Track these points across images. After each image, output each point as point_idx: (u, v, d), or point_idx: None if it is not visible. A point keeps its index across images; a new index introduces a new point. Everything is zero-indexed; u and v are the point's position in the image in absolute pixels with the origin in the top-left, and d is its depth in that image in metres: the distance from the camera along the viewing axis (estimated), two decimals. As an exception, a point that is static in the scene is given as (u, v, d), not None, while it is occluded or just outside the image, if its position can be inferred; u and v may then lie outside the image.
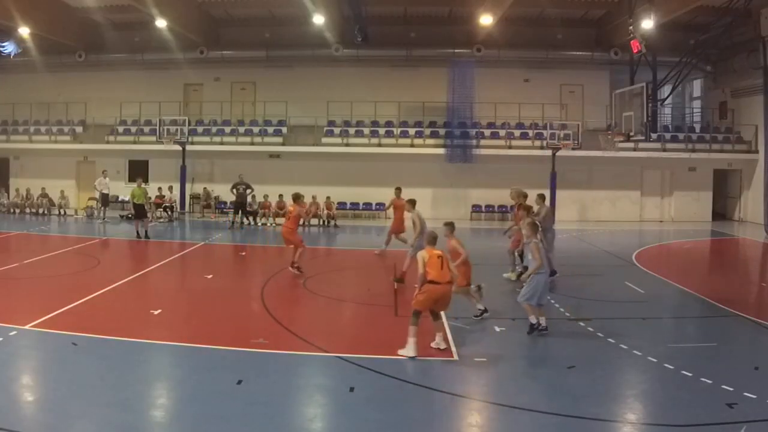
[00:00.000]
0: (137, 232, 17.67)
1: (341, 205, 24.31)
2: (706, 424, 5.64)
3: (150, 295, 11.00)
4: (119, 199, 24.56)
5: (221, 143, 25.46)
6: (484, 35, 23.31)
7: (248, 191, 21.52)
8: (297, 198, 12.96)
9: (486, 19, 20.84)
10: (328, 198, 22.96)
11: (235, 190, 21.33)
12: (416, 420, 5.76)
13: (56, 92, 26.67)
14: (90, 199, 24.18)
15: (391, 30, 25.54)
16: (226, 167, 24.78)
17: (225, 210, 24.35)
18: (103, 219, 22.04)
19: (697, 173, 24.86)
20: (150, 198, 21.73)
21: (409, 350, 7.40)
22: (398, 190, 15.98)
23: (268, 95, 26.21)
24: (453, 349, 7.75)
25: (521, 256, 11.76)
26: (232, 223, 21.22)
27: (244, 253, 16.42)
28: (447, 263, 7.72)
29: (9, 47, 23.87)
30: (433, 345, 7.67)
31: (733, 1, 20.46)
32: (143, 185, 18.66)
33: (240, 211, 21.39)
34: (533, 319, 8.43)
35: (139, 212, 17.90)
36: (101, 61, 26.39)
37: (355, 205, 24.80)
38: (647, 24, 18.93)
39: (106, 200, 22.37)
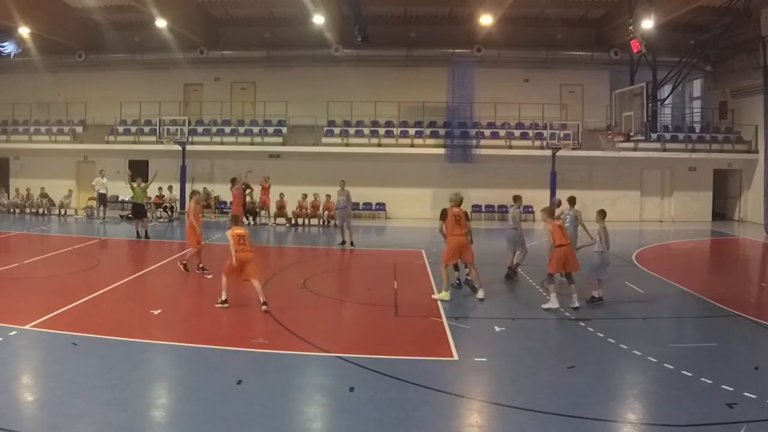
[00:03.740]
0: (137, 231, 17.69)
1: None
2: (706, 424, 5.64)
3: (150, 295, 11.00)
4: (119, 199, 24.55)
5: (221, 143, 25.46)
6: (484, 35, 23.31)
7: (247, 191, 21.54)
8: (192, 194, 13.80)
9: (486, 19, 20.83)
10: (328, 197, 22.95)
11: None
12: (416, 420, 5.76)
13: (56, 92, 26.67)
14: (90, 199, 24.18)
15: (391, 30, 25.53)
16: (226, 167, 24.77)
17: (225, 210, 24.35)
18: (103, 219, 22.04)
19: (697, 173, 24.85)
20: (150, 198, 21.72)
21: (552, 303, 9.68)
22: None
23: (268, 95, 26.21)
24: (453, 349, 7.75)
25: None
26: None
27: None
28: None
29: (9, 47, 23.87)
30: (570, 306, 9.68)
31: (733, 1, 20.46)
32: (142, 185, 18.63)
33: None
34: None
35: (139, 212, 17.95)
36: (101, 61, 26.39)
37: (355, 205, 24.75)
38: (647, 24, 18.93)
39: (104, 200, 22.40)
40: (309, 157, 24.76)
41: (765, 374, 6.97)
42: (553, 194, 23.66)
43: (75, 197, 25.61)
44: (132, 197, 18.47)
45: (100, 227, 20.68)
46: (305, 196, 22.35)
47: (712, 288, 11.63)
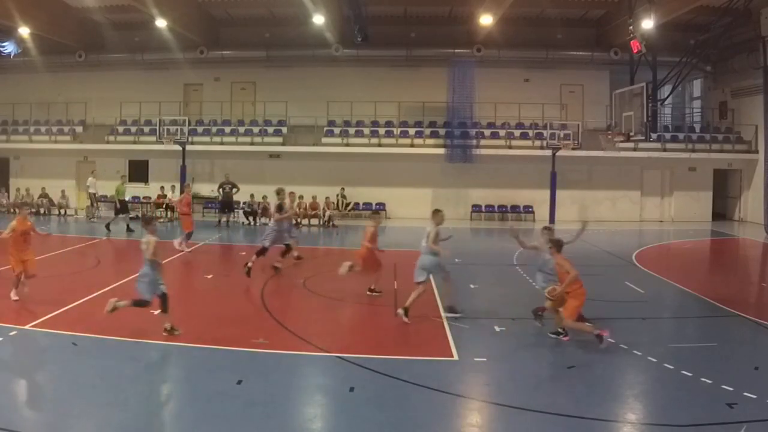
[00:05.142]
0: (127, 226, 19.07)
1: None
2: (706, 424, 5.65)
3: (150, 295, 10.97)
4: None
5: (221, 143, 25.46)
6: (484, 35, 23.31)
7: (234, 190, 21.71)
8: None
9: (486, 19, 20.84)
10: (327, 198, 22.99)
11: (221, 190, 21.59)
12: (416, 420, 5.76)
13: (56, 92, 26.69)
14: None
15: (391, 30, 25.53)
16: (226, 167, 24.80)
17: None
18: (97, 218, 22.11)
19: (697, 173, 24.86)
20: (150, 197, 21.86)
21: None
22: None
23: (268, 95, 26.22)
24: (453, 349, 7.75)
25: None
26: (219, 221, 21.51)
27: (244, 253, 16.41)
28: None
29: (9, 47, 23.86)
30: None
31: (733, 1, 20.47)
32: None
33: (226, 210, 21.65)
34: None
35: (123, 208, 19.89)
36: (101, 61, 26.41)
37: (355, 205, 24.79)
38: (647, 24, 18.95)
39: (95, 200, 22.54)
40: (309, 157, 24.77)
41: (765, 374, 6.97)
42: (553, 194, 23.73)
43: (74, 197, 25.62)
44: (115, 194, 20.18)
45: (99, 227, 20.63)
46: (301, 197, 22.33)
47: (712, 288, 11.63)
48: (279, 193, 13.32)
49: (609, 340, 7.78)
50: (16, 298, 9.51)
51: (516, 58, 25.08)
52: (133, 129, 26.17)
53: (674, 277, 12.82)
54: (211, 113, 26.65)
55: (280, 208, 12.66)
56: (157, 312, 9.27)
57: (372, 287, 10.73)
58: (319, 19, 21.90)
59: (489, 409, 6.12)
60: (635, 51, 19.75)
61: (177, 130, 23.95)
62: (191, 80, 26.90)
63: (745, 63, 22.32)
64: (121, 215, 20.23)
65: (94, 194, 22.44)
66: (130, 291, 10.94)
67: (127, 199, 21.16)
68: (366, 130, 25.41)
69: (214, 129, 25.93)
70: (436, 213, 9.26)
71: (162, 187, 23.61)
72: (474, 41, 24.45)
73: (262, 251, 12.23)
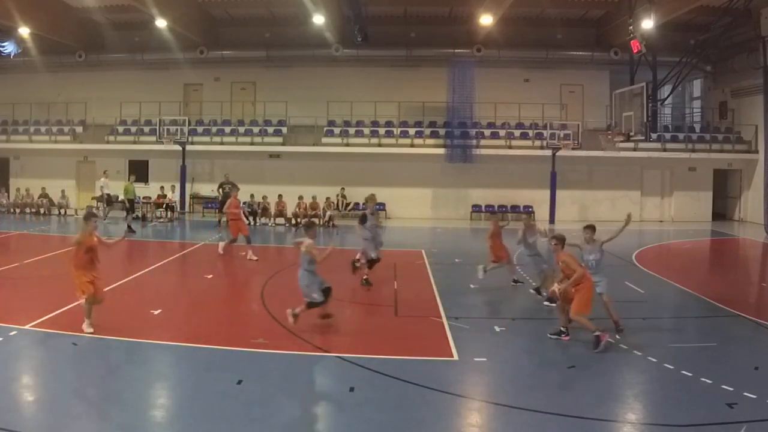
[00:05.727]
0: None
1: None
2: (706, 424, 5.64)
3: (150, 295, 10.98)
4: (119, 199, 24.56)
5: (221, 143, 25.46)
6: (484, 35, 23.31)
7: (233, 190, 21.69)
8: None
9: (486, 19, 20.84)
10: (327, 198, 22.98)
11: (221, 190, 21.58)
12: (416, 420, 5.76)
13: (56, 92, 26.69)
14: (93, 198, 24.18)
15: (391, 30, 25.53)
16: (226, 167, 24.79)
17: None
18: (104, 218, 22.07)
19: (697, 173, 24.85)
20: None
21: None
22: None
23: (268, 95, 26.22)
24: (453, 349, 7.75)
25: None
26: (219, 221, 21.49)
27: (243, 253, 16.42)
28: None
29: (9, 47, 23.87)
30: None
31: (733, 1, 20.47)
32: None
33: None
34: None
35: (131, 207, 20.30)
36: (101, 61, 26.41)
37: (355, 205, 24.77)
38: (647, 24, 18.96)
39: (109, 200, 22.47)
40: (309, 157, 24.77)
41: (765, 374, 6.97)
42: (553, 194, 23.73)
43: (74, 197, 25.60)
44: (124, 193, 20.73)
45: (100, 227, 20.63)
46: (301, 197, 22.34)
47: (712, 288, 11.63)
48: (367, 201, 12.80)
49: (608, 340, 7.75)
50: (90, 330, 7.94)
51: (516, 58, 25.07)
52: (133, 129, 26.17)
53: (674, 277, 12.82)
54: (211, 113, 26.65)
55: (364, 219, 12.06)
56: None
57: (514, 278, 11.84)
58: (319, 19, 21.90)
59: (489, 409, 6.12)
60: (635, 51, 19.76)
61: (177, 130, 23.96)
62: (191, 80, 26.90)
63: (745, 63, 22.32)
64: (131, 214, 20.45)
65: (108, 195, 22.44)
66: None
67: (133, 198, 21.30)
68: (366, 130, 25.41)
69: (214, 129, 25.93)
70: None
71: (162, 187, 23.59)
72: (474, 41, 24.44)
73: (372, 262, 11.79)
